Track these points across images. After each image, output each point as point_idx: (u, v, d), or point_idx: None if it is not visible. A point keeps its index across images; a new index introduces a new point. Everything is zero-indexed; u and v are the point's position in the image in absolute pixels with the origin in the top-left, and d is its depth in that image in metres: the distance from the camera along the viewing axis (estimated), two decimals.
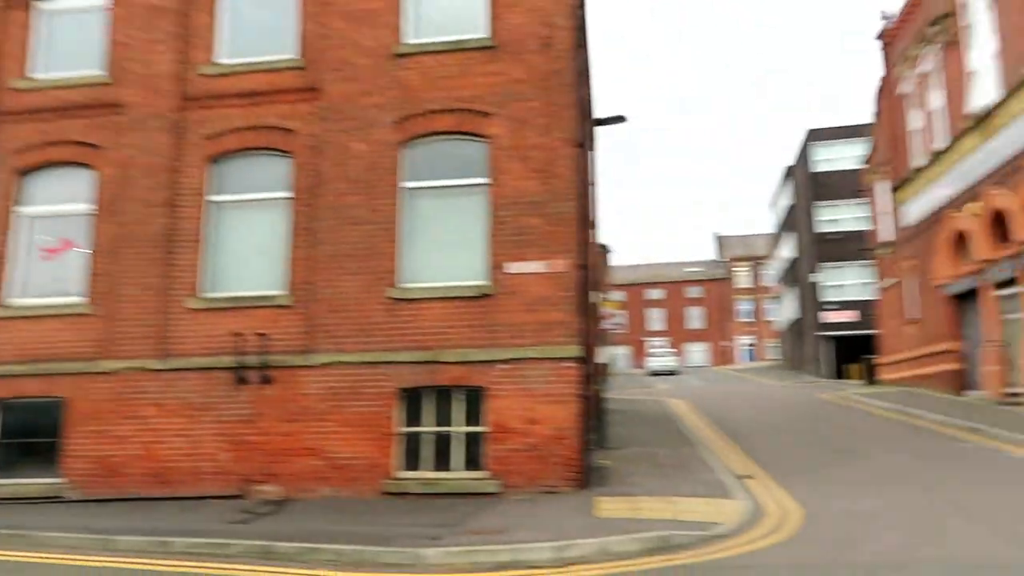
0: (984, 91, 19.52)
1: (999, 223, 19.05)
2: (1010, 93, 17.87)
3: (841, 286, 39.54)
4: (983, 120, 19.19)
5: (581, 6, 13.31)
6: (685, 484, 10.57)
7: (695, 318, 77.13)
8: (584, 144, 11.63)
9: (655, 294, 78.06)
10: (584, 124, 12.12)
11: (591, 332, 15.87)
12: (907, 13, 24.51)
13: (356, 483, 10.69)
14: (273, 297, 11.48)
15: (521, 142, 11.11)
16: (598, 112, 21.91)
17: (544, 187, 10.96)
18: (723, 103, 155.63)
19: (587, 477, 10.69)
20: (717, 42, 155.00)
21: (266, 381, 11.18)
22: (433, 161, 11.49)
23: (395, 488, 10.58)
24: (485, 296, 10.86)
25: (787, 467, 12.01)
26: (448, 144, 11.54)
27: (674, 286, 77.76)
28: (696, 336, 76.69)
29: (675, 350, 55.66)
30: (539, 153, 11.04)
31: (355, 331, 11.11)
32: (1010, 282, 18.59)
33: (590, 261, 15.91)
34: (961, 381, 21.27)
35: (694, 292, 77.44)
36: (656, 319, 77.68)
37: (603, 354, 20.49)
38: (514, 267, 10.84)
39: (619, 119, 17.60)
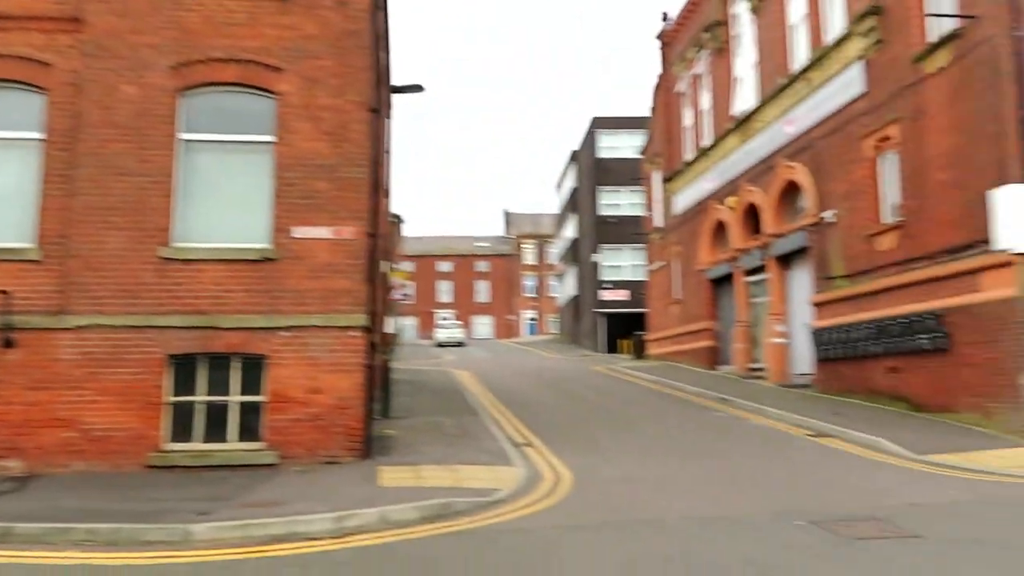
0: (745, 97, 21.57)
1: (753, 216, 21.25)
2: (765, 101, 19.88)
3: (618, 267, 42.24)
4: (743, 123, 21.22)
5: None
6: (468, 452, 10.80)
7: (482, 292, 79.05)
8: (379, 110, 11.37)
9: (445, 266, 78.95)
10: (380, 89, 11.85)
11: (379, 302, 15.67)
12: (684, 17, 26.43)
13: (116, 456, 9.82)
14: (19, 250, 10.18)
15: (312, 101, 10.65)
16: (395, 80, 21.54)
17: (335, 150, 10.59)
18: (520, 84, 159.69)
19: (371, 447, 10.59)
20: (519, 19, 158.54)
21: (8, 344, 9.92)
22: (215, 113, 10.68)
23: (162, 461, 9.85)
24: (268, 260, 10.34)
25: (562, 435, 12.66)
26: (232, 97, 10.77)
27: (463, 259, 79.07)
28: (483, 309, 78.69)
29: (462, 322, 56.71)
30: (331, 115, 10.65)
31: (118, 292, 10.14)
32: (759, 269, 20.84)
33: (381, 230, 15.67)
34: (715, 357, 23.57)
35: (482, 266, 79.25)
36: (445, 291, 78.65)
37: (391, 324, 20.36)
38: (300, 232, 10.41)
39: (417, 88, 17.43)
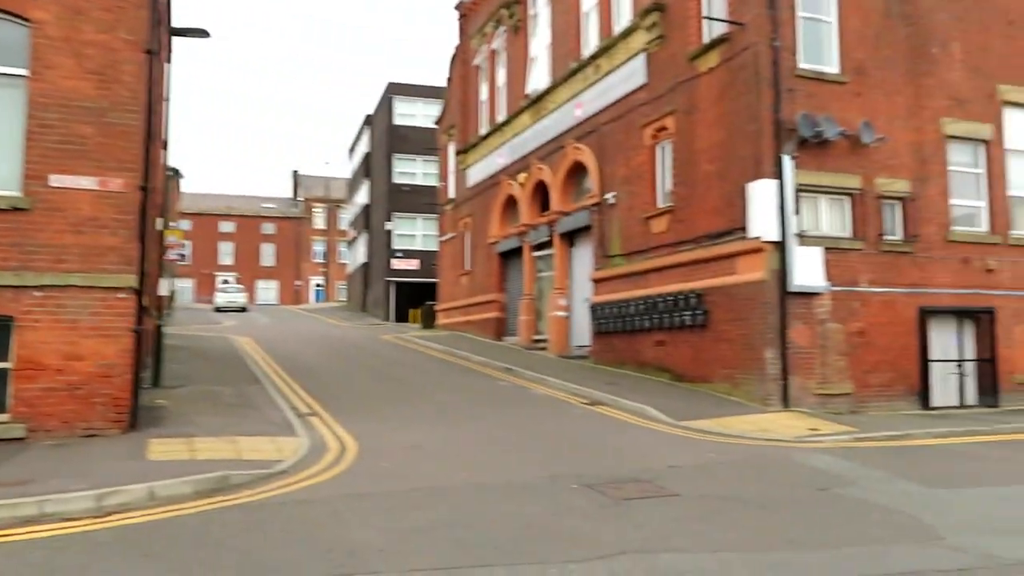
0: (540, 77, 22.23)
1: (542, 194, 22.05)
2: (558, 83, 20.61)
3: (411, 236, 42.14)
4: (537, 102, 21.88)
5: None
6: (248, 423, 10.34)
7: (268, 255, 75.60)
8: (156, 51, 10.39)
9: (227, 227, 74.51)
10: (157, 29, 10.82)
11: (152, 262, 14.51)
12: None
13: None
14: None
15: (75, 35, 9.52)
16: (178, 22, 19.81)
17: (103, 92, 9.57)
18: (317, 42, 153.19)
19: (139, 418, 9.82)
20: None
21: None
22: None
23: None
24: (17, 210, 9.18)
25: (348, 404, 12.49)
26: None
27: (248, 221, 75.01)
28: (268, 274, 75.34)
29: (244, 286, 53.94)
30: (98, 52, 9.59)
31: None
32: (546, 245, 21.71)
33: (155, 184, 14.47)
34: (502, 328, 24.33)
35: (269, 229, 75.70)
36: (227, 253, 74.32)
37: (165, 286, 18.88)
38: (59, 180, 9.33)
39: (201, 32, 16.14)
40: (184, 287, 63.45)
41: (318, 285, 74.96)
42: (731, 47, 13.94)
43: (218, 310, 44.71)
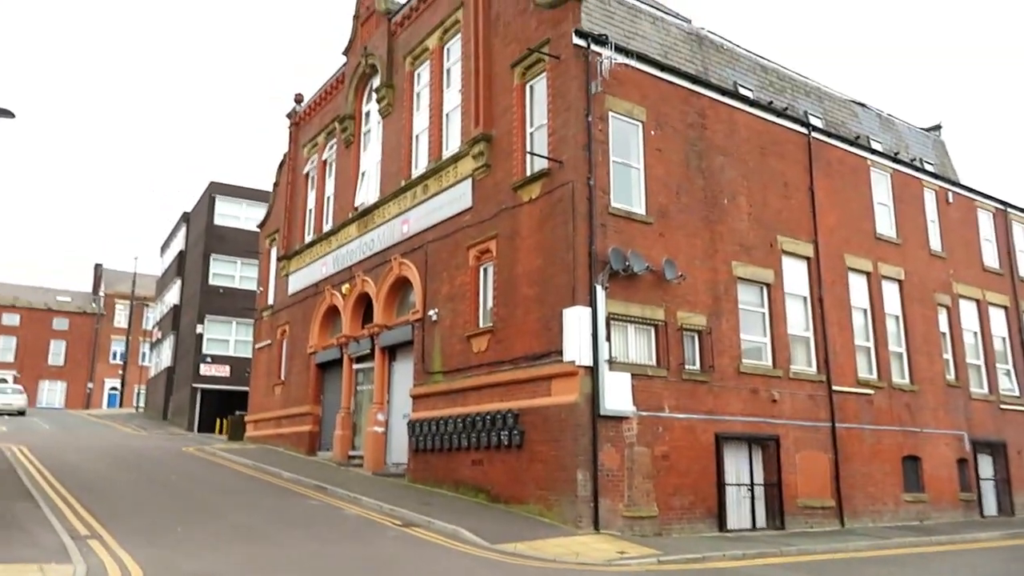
0: (369, 190, 22.57)
1: (365, 305, 21.95)
2: (387, 198, 20.97)
3: (223, 340, 40.06)
4: (364, 215, 22.09)
5: None
6: (13, 548, 9.14)
7: (58, 353, 68.69)
8: None
9: (11, 319, 67.34)
10: None
11: None
12: (317, 103, 27.03)
13: None
14: None
15: None
16: None
17: None
18: (135, 134, 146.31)
19: None
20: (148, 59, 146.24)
21: None
22: None
23: None
24: None
25: (139, 525, 11.40)
26: None
27: (37, 314, 68.24)
28: (56, 374, 68.23)
29: (24, 387, 48.47)
30: None
31: None
32: (367, 357, 21.44)
33: None
34: (316, 442, 23.39)
35: (61, 324, 69.14)
36: (7, 349, 66.83)
37: None
38: None
39: (6, 113, 15.11)
40: None
41: (113, 389, 68.75)
42: (551, 181, 14.94)
43: None
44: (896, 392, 18.89)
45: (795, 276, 17.42)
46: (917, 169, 21.87)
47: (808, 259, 17.81)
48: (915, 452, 18.76)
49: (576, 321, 13.75)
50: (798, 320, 17.26)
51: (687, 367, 14.92)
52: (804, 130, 18.70)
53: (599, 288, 13.90)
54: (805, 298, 17.59)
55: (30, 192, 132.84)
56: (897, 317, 19.74)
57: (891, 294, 19.69)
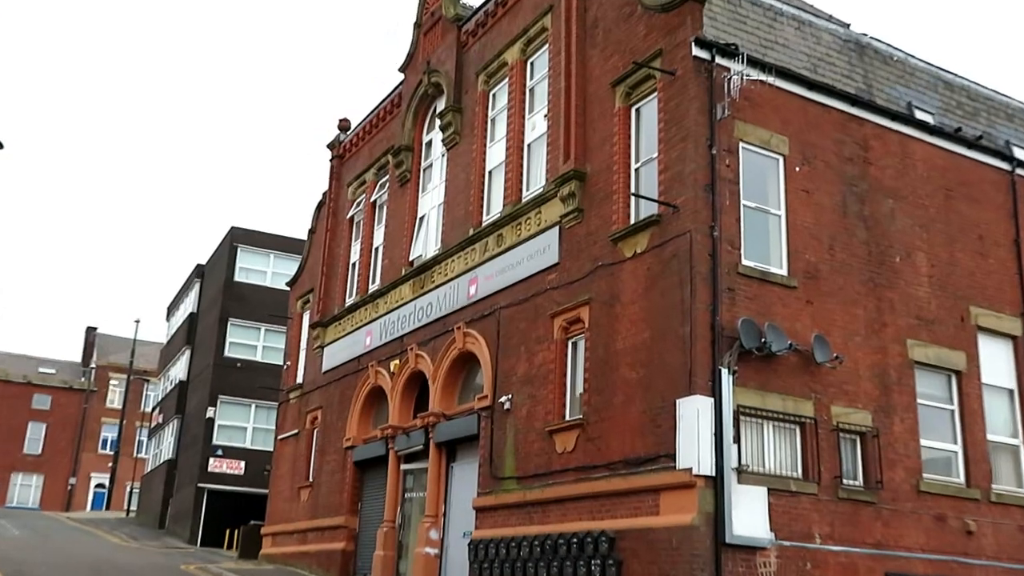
0: (428, 241, 23.04)
1: (419, 388, 22.15)
2: (449, 251, 21.32)
3: (239, 428, 40.90)
4: (421, 272, 22.50)
5: None
6: None
7: (35, 439, 71.30)
8: None
9: None
10: None
11: None
12: (367, 131, 27.96)
13: None
14: None
15: None
16: None
17: None
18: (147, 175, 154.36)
19: None
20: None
21: None
22: None
23: None
24: None
25: None
26: None
27: (12, 388, 71.03)
28: (31, 465, 70.74)
29: None
30: None
31: None
32: (419, 455, 21.54)
33: None
34: (351, 565, 23.48)
35: (42, 402, 71.87)
36: None
37: None
38: None
39: None
40: None
41: (100, 486, 70.74)
42: (662, 231, 14.96)
43: None
44: None
45: (996, 361, 16.91)
46: None
47: (1015, 338, 17.28)
48: None
49: (694, 415, 13.56)
50: (1002, 422, 16.66)
51: (845, 481, 14.49)
52: (1006, 165, 18.33)
53: (725, 372, 13.72)
54: (1011, 391, 17.04)
55: (13, 238, 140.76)
56: None
57: None
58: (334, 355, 26.70)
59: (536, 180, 19.23)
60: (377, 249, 26.05)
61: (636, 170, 16.24)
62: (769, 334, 14.05)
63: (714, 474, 13.34)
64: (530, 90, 20.23)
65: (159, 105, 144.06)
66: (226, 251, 43.45)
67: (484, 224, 20.37)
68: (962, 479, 15.80)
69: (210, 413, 40.79)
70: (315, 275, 29.45)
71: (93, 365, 74.93)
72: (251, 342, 42.01)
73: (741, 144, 15.03)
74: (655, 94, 15.84)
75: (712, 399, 13.59)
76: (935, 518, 15.14)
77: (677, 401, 13.87)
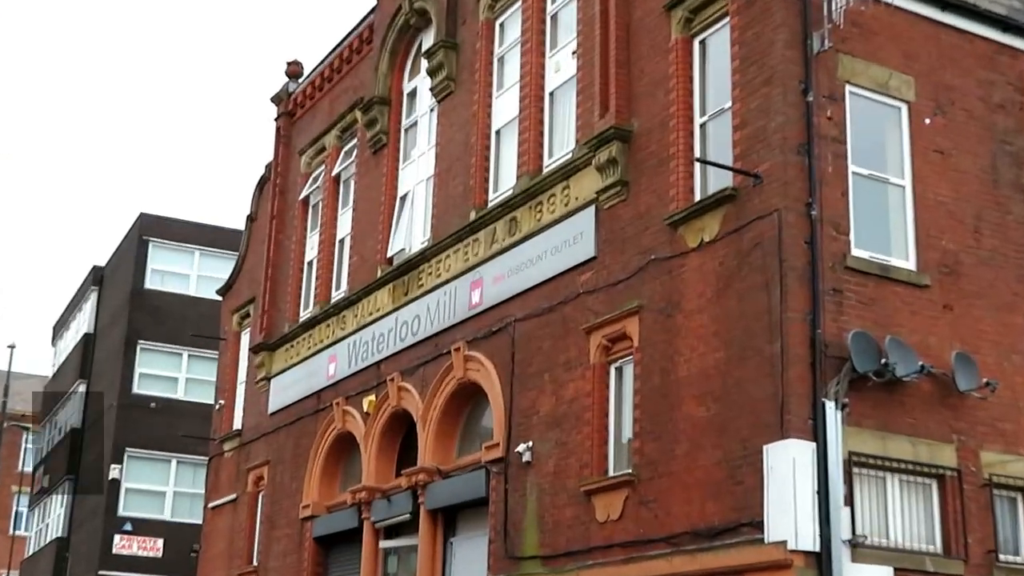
0: (413, 229, 22.90)
1: (404, 433, 22.04)
2: (442, 243, 21.10)
3: (158, 494, 40.85)
4: (404, 273, 22.34)
5: None
6: None
7: None
8: None
9: None
10: None
11: None
12: (326, 78, 27.69)
13: None
14: None
15: None
16: None
17: None
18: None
19: None
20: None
21: None
22: None
23: None
24: None
25: None
26: None
27: None
28: None
29: None
30: None
31: None
32: (404, 528, 21.44)
33: None
34: None
35: None
36: None
37: None
38: None
39: None
40: None
41: None
42: (739, 211, 14.88)
43: None
44: None
45: None
46: None
47: None
48: None
49: (789, 467, 13.48)
50: None
51: (1003, 557, 14.39)
52: None
53: (831, 407, 13.64)
54: None
55: None
56: None
57: None
58: (285, 390, 26.63)
59: (562, 143, 19.18)
60: (343, 241, 25.96)
61: (701, 126, 16.18)
62: (892, 352, 13.94)
63: (818, 549, 13.24)
64: (552, 16, 20.15)
65: (29, 44, 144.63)
66: (133, 247, 43.38)
67: (491, 205, 20.29)
68: None
69: (114, 473, 40.81)
70: (257, 279, 29.32)
71: None
72: (170, 373, 42.01)
73: (848, 87, 14.93)
74: (726, 20, 15.79)
75: (814, 444, 13.50)
76: None
77: (765, 448, 13.78)
